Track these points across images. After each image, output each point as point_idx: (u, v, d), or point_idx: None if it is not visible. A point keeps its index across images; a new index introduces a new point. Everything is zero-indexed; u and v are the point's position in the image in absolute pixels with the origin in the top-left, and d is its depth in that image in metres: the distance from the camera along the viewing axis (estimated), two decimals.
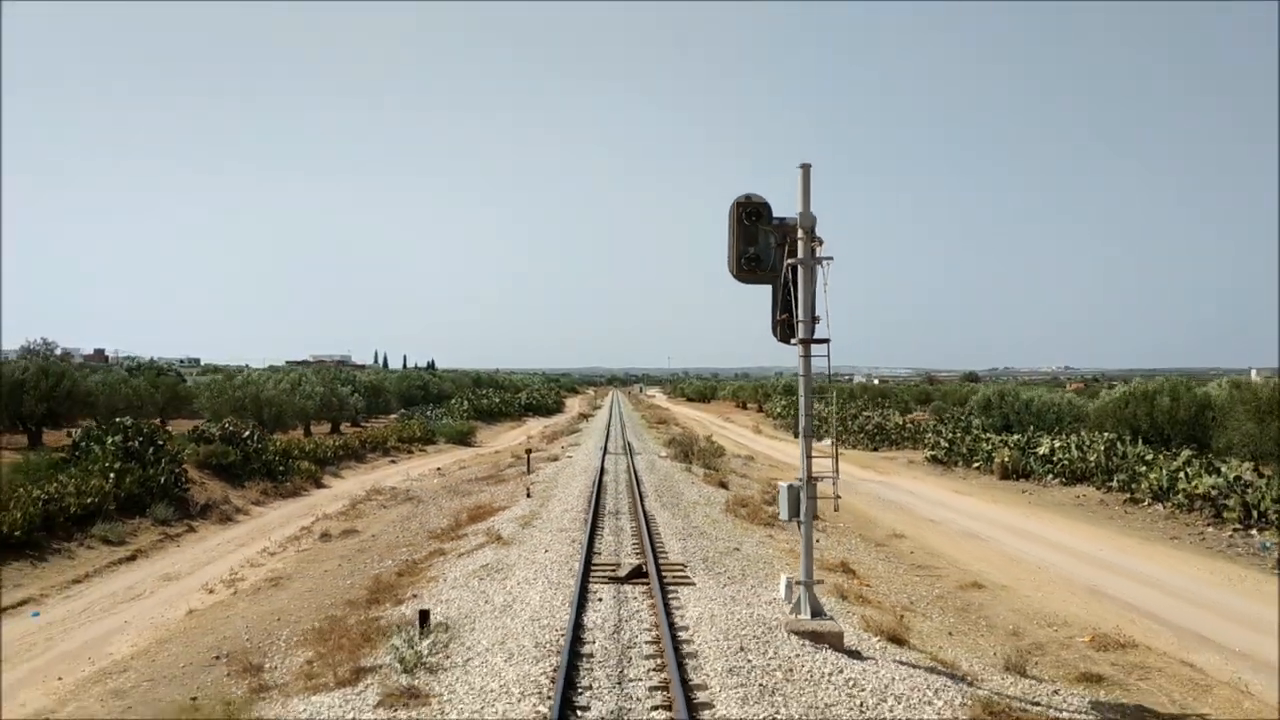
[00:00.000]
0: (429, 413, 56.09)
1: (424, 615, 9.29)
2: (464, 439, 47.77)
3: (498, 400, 69.05)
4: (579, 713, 6.65)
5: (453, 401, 62.66)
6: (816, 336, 9.44)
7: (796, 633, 9.08)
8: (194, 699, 9.33)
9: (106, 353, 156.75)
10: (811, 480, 9.40)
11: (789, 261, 9.36)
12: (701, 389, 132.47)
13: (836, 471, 9.41)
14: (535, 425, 66.25)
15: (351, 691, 8.08)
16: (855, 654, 9.20)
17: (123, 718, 9.26)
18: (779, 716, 6.76)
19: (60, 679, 11.33)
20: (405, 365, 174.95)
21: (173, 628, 13.36)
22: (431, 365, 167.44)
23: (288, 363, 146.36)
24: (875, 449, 43.69)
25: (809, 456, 9.47)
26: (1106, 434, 27.94)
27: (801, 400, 9.58)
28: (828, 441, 55.18)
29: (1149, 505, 24.35)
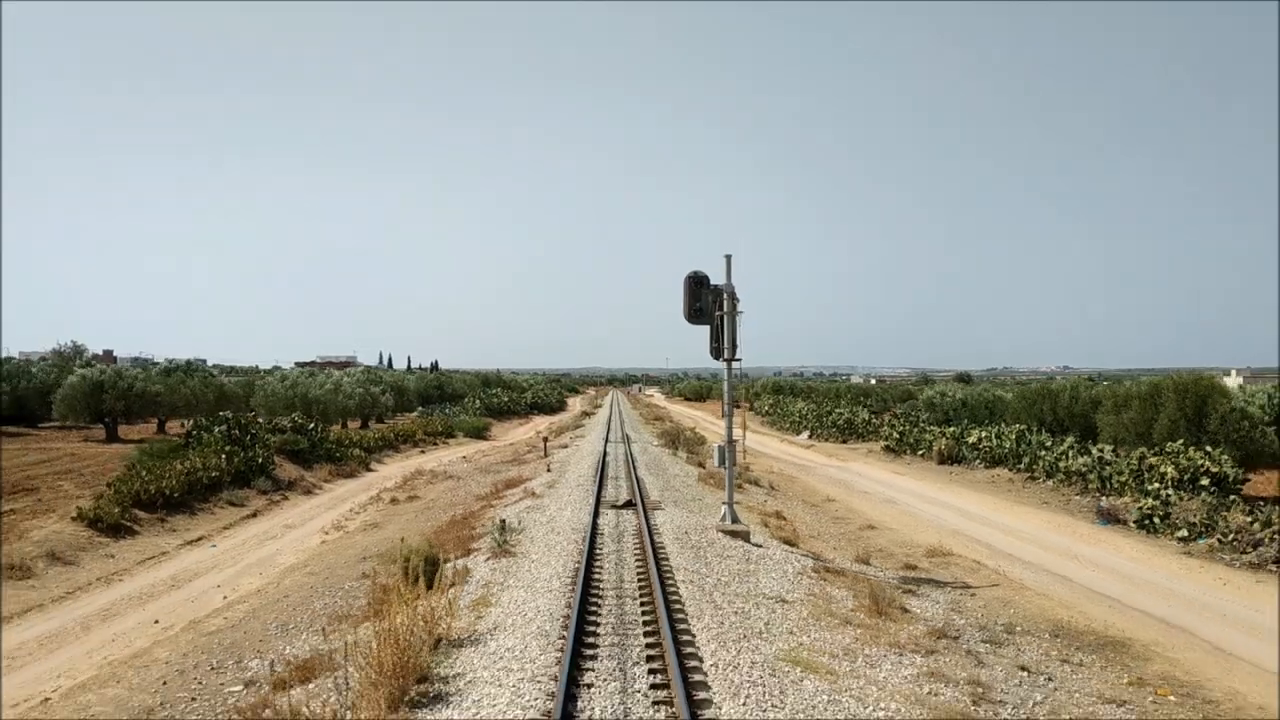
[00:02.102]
0: (446, 410, 62.82)
1: (503, 522, 15.94)
2: (480, 433, 54.50)
3: (506, 399, 76.16)
4: (598, 550, 13.34)
5: (466, 400, 69.53)
6: (736, 357, 16.06)
7: (721, 531, 15.74)
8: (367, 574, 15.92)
9: (115, 354, 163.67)
10: (731, 441, 16.03)
11: (718, 313, 15.96)
12: (698, 388, 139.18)
13: (744, 436, 16.08)
14: (541, 422, 73.02)
15: (468, 557, 14.70)
16: (757, 545, 15.83)
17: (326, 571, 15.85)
18: (699, 554, 13.44)
19: (260, 574, 17.96)
20: (409, 366, 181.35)
21: (317, 550, 20.01)
22: (435, 366, 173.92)
23: (296, 364, 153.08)
24: (844, 441, 50.41)
25: (729, 428, 16.10)
26: (1018, 425, 34.59)
27: (726, 393, 16.25)
28: (805, 435, 61.83)
29: (1042, 481, 31.07)
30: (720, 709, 7.14)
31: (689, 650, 8.61)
